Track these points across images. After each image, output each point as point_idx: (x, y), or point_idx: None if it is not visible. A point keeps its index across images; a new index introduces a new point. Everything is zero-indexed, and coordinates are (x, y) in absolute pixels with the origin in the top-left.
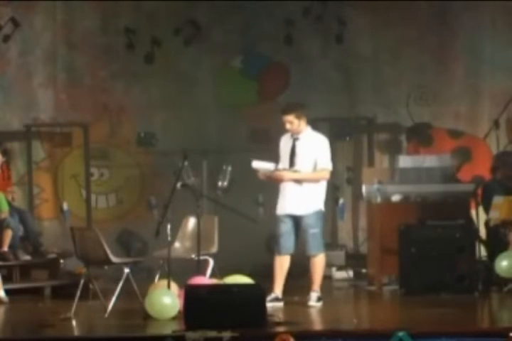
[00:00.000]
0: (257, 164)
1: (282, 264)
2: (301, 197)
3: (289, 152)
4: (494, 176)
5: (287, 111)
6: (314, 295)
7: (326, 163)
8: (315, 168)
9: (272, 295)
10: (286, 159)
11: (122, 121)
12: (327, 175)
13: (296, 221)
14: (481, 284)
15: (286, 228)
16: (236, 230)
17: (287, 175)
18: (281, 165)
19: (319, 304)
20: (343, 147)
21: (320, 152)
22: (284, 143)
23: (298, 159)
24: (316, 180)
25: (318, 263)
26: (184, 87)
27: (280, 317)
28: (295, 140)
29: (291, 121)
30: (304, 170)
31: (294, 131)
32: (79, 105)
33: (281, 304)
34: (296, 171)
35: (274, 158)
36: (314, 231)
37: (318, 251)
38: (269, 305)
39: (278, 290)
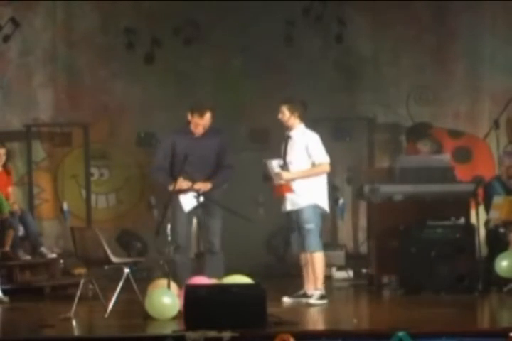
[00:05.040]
0: (270, 163)
1: (305, 261)
2: (295, 193)
3: (282, 150)
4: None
5: (283, 101)
6: (317, 293)
7: (322, 157)
8: (313, 164)
9: (301, 292)
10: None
11: (122, 121)
12: (327, 167)
13: (295, 217)
14: (481, 284)
15: (291, 226)
16: (236, 230)
17: (286, 175)
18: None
19: (321, 302)
20: (343, 147)
21: (312, 147)
22: (283, 142)
23: (290, 157)
24: (317, 175)
25: (318, 260)
26: (184, 87)
27: (280, 317)
28: (287, 138)
29: (283, 111)
30: (298, 167)
31: (284, 123)
32: (79, 105)
33: (305, 300)
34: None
35: (274, 157)
36: (310, 227)
37: (316, 247)
38: (292, 300)
39: (306, 286)
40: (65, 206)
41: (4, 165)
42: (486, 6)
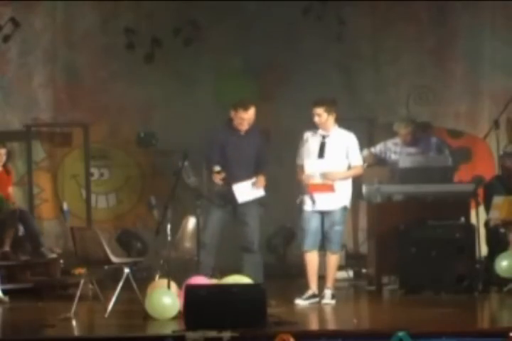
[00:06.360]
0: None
1: (310, 260)
2: (330, 193)
3: (318, 150)
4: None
5: (318, 103)
6: (329, 292)
7: (359, 160)
8: (349, 166)
9: (309, 292)
10: (313, 156)
11: (122, 121)
12: (361, 170)
13: (323, 217)
14: (481, 284)
15: (314, 225)
16: (236, 230)
17: (336, 175)
18: (304, 162)
19: (334, 301)
20: None
21: (352, 149)
22: (311, 141)
23: (328, 156)
24: (354, 177)
25: (335, 260)
26: (184, 87)
27: (280, 317)
28: (324, 137)
29: (320, 113)
30: (336, 167)
31: (321, 125)
32: (79, 105)
33: (317, 300)
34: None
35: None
36: (339, 229)
37: (339, 248)
38: (306, 302)
39: (313, 286)
40: (65, 206)
41: (4, 165)
42: (486, 5)
